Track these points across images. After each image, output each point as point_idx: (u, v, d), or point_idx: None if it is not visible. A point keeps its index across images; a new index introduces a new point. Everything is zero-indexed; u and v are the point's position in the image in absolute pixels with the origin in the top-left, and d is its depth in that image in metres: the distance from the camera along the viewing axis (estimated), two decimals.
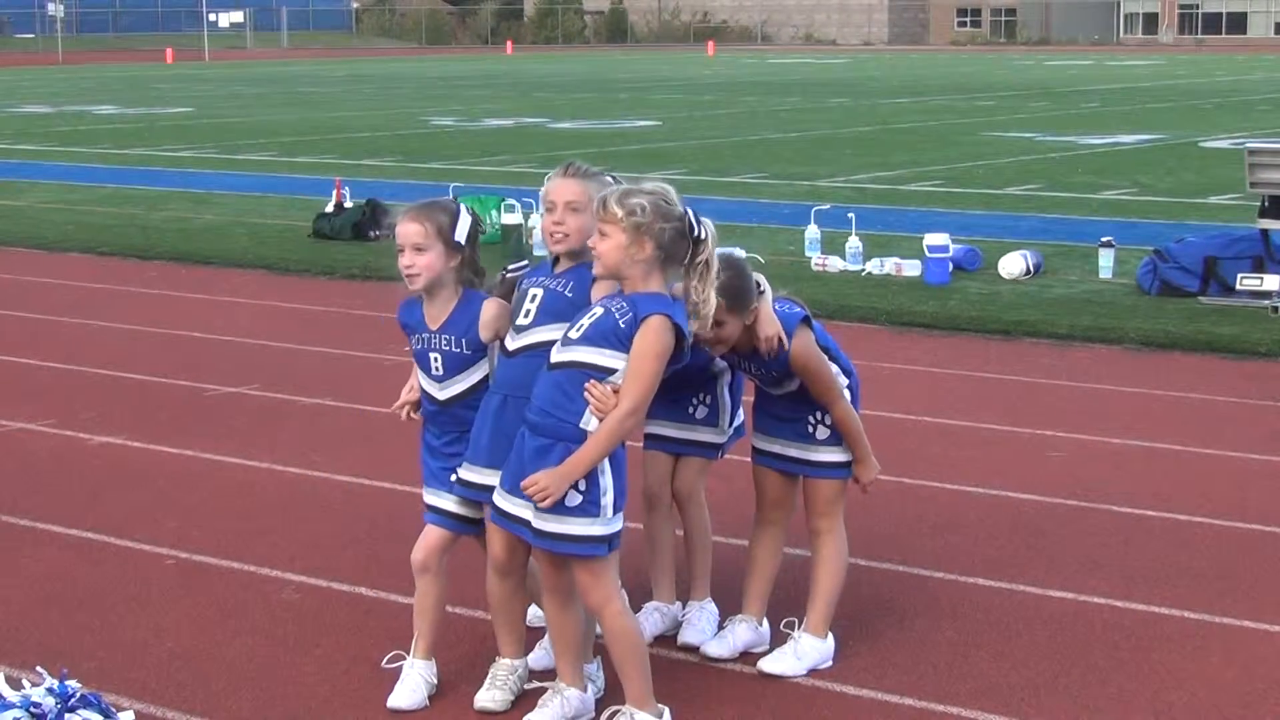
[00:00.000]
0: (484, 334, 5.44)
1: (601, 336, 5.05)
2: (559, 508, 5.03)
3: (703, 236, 5.17)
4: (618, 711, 5.21)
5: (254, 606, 6.39)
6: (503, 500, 5.20)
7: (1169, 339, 11.39)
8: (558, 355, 5.12)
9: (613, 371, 5.04)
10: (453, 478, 5.44)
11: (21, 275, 14.78)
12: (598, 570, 5.11)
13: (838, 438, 5.77)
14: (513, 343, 5.34)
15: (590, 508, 5.05)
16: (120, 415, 9.44)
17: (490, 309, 5.45)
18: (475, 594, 5.92)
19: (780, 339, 5.57)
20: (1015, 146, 26.89)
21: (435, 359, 5.48)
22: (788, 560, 6.13)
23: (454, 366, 5.46)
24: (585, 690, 5.34)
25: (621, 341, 5.04)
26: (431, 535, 5.52)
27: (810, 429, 5.77)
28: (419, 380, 5.57)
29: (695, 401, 5.89)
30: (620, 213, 5.10)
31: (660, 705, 5.21)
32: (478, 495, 5.37)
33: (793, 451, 5.80)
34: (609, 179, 5.43)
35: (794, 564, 6.23)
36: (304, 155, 26.14)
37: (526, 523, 5.12)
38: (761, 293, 5.59)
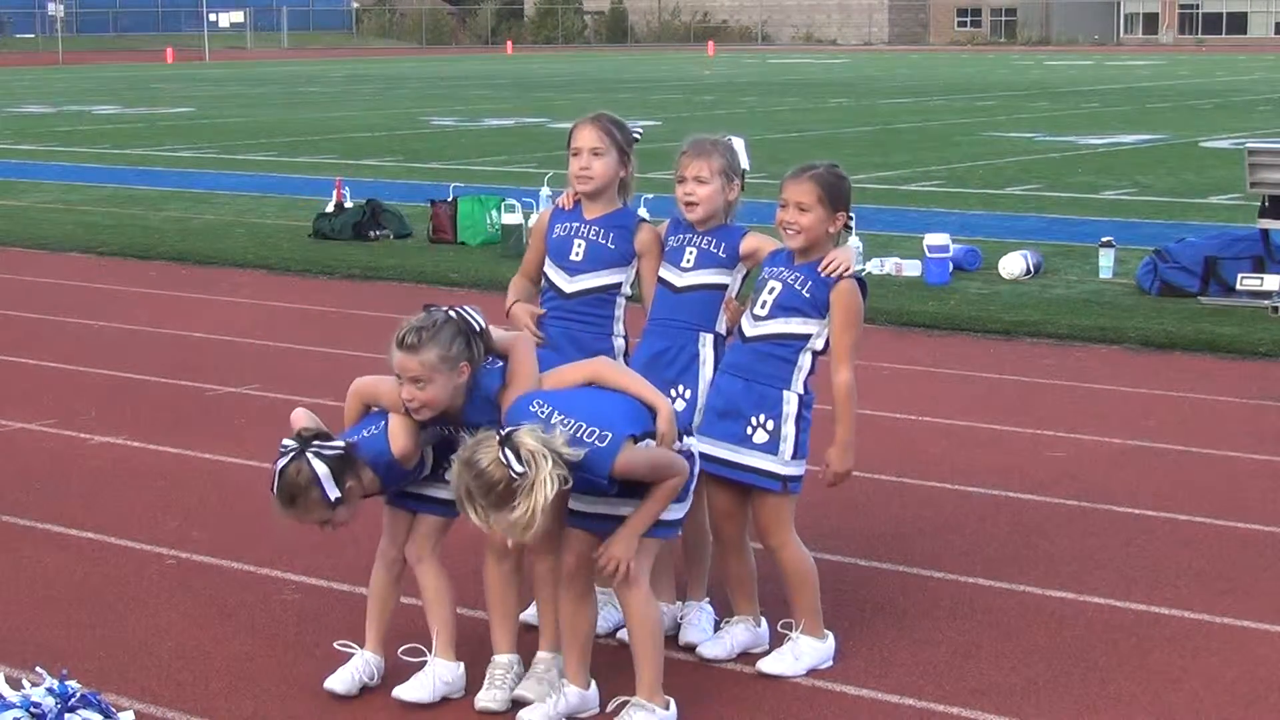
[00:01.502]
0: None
1: (589, 486, 5.11)
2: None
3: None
4: (627, 702, 5.25)
5: (254, 606, 6.39)
6: (575, 502, 5.24)
7: (1169, 339, 11.39)
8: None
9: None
10: None
11: (21, 275, 14.78)
12: (647, 552, 5.24)
13: (775, 445, 5.62)
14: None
15: (680, 492, 5.23)
16: (120, 415, 9.44)
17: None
18: (474, 594, 5.92)
19: (845, 270, 5.60)
20: (1015, 146, 26.90)
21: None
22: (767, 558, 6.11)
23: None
24: (587, 688, 5.35)
25: (606, 486, 5.10)
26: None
27: (749, 430, 5.63)
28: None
29: (674, 395, 5.82)
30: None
31: (666, 696, 5.26)
32: None
33: (723, 453, 5.64)
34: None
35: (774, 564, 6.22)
36: (304, 155, 26.13)
37: (606, 516, 5.21)
38: (851, 231, 5.78)
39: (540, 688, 5.39)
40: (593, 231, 5.99)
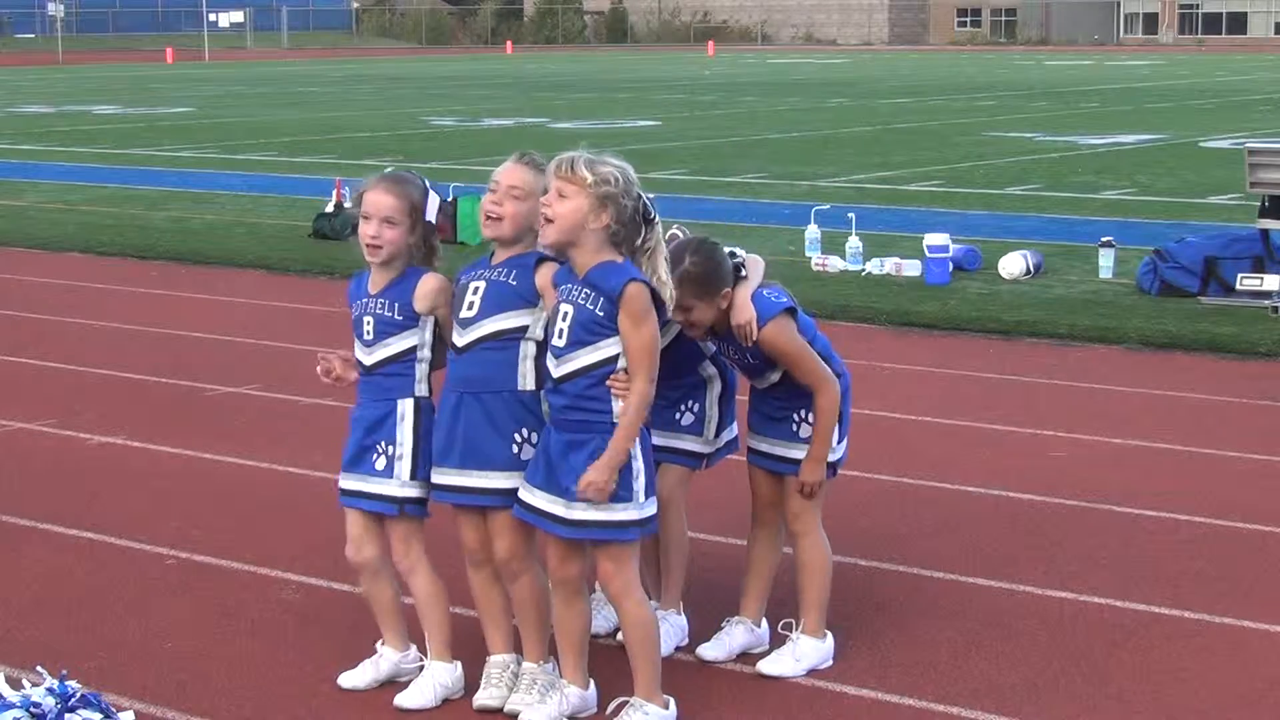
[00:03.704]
0: (419, 305, 5.43)
1: (589, 333, 5.06)
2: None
3: (654, 219, 5.17)
4: (626, 703, 5.24)
5: (254, 606, 6.39)
6: (528, 495, 5.19)
7: (1169, 339, 11.39)
8: (559, 369, 5.11)
9: (615, 358, 5.06)
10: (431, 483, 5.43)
11: (21, 275, 14.78)
12: (623, 557, 5.16)
13: None
14: (460, 338, 5.31)
15: (623, 493, 5.09)
16: (120, 415, 9.45)
17: (429, 282, 5.45)
18: (470, 594, 5.92)
19: (752, 326, 5.51)
20: (1015, 146, 26.90)
21: (368, 323, 5.51)
22: (783, 560, 6.12)
23: (383, 331, 5.49)
24: (587, 687, 5.35)
25: (607, 327, 5.05)
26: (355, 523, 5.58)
27: (794, 427, 5.72)
28: (355, 351, 5.63)
29: (683, 408, 5.82)
30: (590, 177, 5.08)
31: (666, 696, 5.26)
32: (456, 498, 5.36)
33: (777, 450, 5.76)
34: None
35: (788, 563, 6.22)
36: (304, 155, 26.14)
37: (553, 515, 5.12)
38: (742, 279, 5.55)
39: (530, 696, 5.38)
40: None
